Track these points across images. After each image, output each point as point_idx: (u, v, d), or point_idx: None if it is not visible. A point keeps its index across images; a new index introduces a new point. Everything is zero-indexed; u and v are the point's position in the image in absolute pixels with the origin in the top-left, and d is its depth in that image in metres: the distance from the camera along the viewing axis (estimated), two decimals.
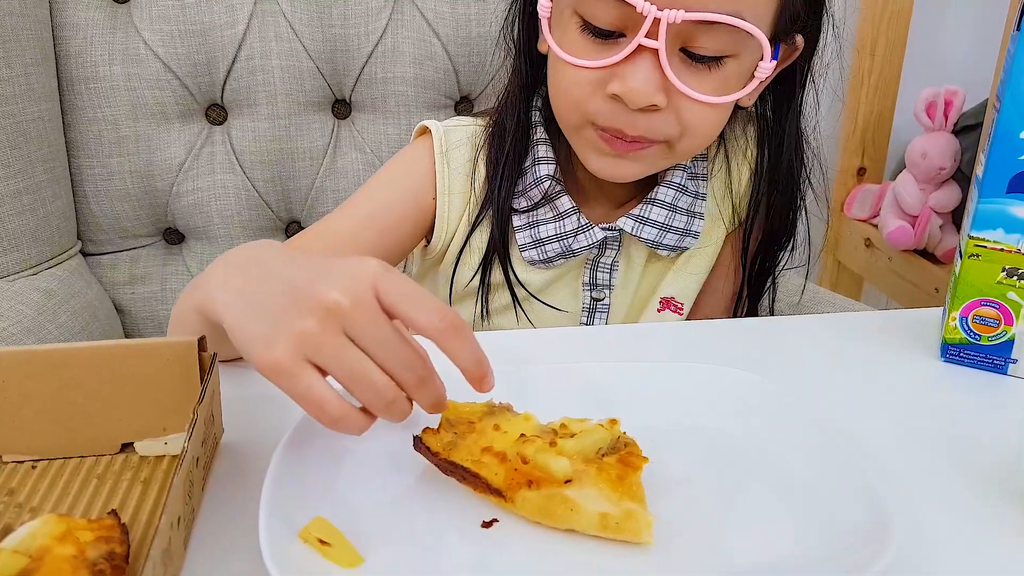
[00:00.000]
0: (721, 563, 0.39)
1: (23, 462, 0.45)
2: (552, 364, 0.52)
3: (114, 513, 0.39)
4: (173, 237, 1.02)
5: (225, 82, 0.96)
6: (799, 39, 0.67)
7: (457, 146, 0.73)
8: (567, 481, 0.40)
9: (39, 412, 0.45)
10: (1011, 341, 0.51)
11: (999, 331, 0.53)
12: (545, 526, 0.40)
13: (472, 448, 0.42)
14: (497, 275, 0.73)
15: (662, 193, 0.72)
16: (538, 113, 0.73)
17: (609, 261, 0.76)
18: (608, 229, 0.72)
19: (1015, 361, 0.52)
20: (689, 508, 0.43)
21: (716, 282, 0.80)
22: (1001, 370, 0.54)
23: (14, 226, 0.87)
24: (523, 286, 0.74)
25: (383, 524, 0.40)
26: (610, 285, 0.76)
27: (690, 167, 0.74)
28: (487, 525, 0.41)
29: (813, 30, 0.67)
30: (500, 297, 0.75)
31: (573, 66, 0.61)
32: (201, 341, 0.45)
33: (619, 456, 0.41)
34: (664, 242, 0.73)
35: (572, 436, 0.43)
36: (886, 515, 0.39)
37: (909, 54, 1.45)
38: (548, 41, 0.63)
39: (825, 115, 1.58)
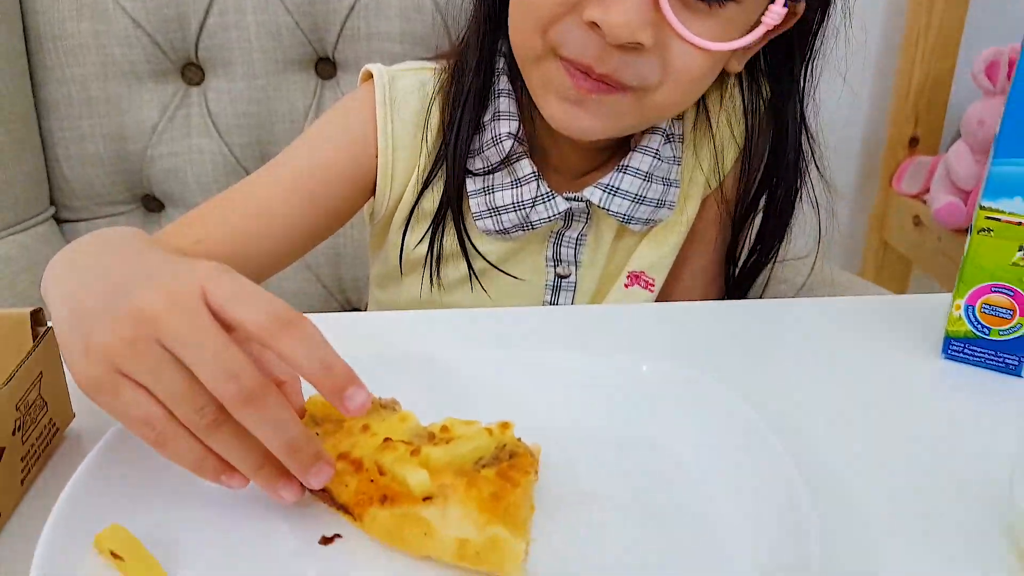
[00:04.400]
0: None
1: None
2: (462, 351, 0.44)
3: None
4: (152, 204, 0.98)
5: (198, 39, 0.90)
6: (801, 5, 0.58)
7: (405, 94, 0.64)
8: (426, 498, 0.32)
9: None
10: (1020, 337, 0.41)
11: (1013, 324, 0.42)
12: (398, 551, 0.33)
13: (329, 453, 0.35)
14: (451, 243, 0.65)
15: (636, 160, 0.63)
16: (503, 60, 0.63)
17: (575, 235, 0.67)
18: (573, 199, 0.63)
19: None
20: (580, 534, 0.35)
21: (691, 255, 0.70)
22: (1014, 371, 0.44)
23: None
24: (481, 255, 0.65)
25: (202, 536, 0.34)
26: (576, 261, 0.67)
27: (667, 128, 0.65)
28: (327, 541, 0.34)
29: None
30: (454, 269, 0.67)
31: None
32: (36, 313, 0.39)
33: (499, 469, 0.34)
34: (637, 215, 0.64)
35: (447, 442, 0.35)
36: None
37: (972, 9, 1.30)
38: None
39: (868, 80, 1.46)
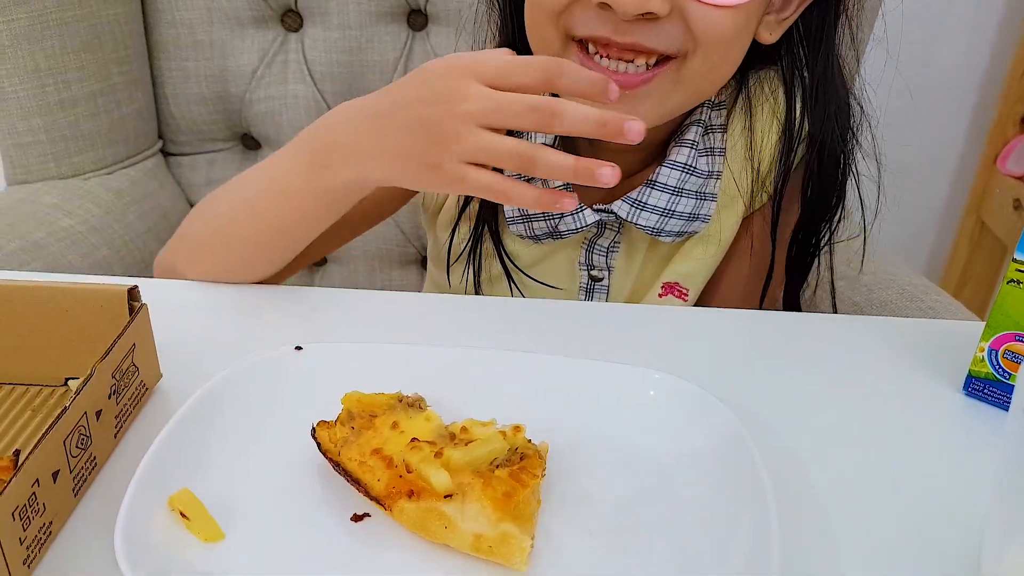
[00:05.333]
0: None
1: None
2: (490, 350, 0.48)
3: (16, 454, 0.40)
4: (250, 143, 1.04)
5: None
6: None
7: None
8: (447, 496, 0.37)
9: (2, 344, 0.46)
10: None
11: None
12: (420, 537, 0.38)
13: (363, 447, 0.39)
14: (490, 244, 0.68)
15: (664, 175, 0.63)
16: None
17: (607, 244, 0.68)
18: (602, 211, 0.64)
19: None
20: (581, 530, 0.39)
21: (730, 272, 0.71)
22: None
23: (89, 127, 0.90)
24: (511, 259, 0.68)
25: (254, 505, 0.39)
26: (608, 267, 0.69)
27: (701, 140, 0.64)
28: (357, 519, 0.39)
29: None
30: (495, 266, 0.69)
31: None
32: (132, 291, 0.44)
33: (511, 471, 0.38)
34: (667, 228, 0.64)
35: (467, 443, 0.39)
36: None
37: None
38: None
39: (987, 46, 1.36)
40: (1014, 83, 1.27)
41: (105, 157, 0.93)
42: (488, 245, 0.68)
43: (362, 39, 0.96)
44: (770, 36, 0.59)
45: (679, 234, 0.66)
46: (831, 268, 0.68)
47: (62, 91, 0.88)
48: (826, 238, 0.66)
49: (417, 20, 0.97)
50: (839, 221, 0.66)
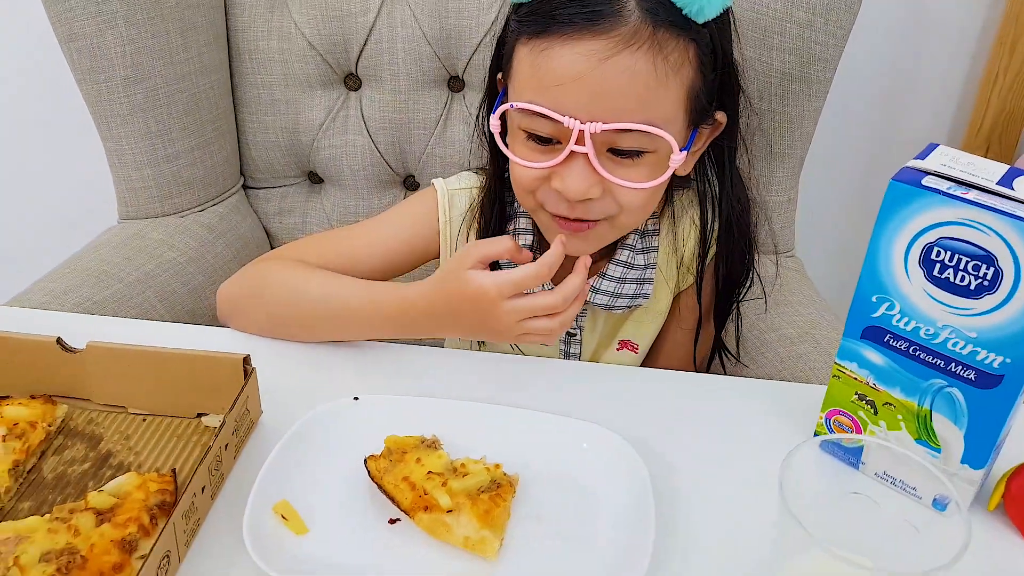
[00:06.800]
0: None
1: (140, 414, 0.69)
2: (481, 404, 0.69)
3: (173, 472, 0.61)
4: (315, 179, 1.24)
5: (358, 60, 1.13)
6: (719, 116, 0.76)
7: (459, 210, 0.88)
8: (449, 511, 0.57)
9: (149, 386, 0.68)
10: (861, 447, 0.60)
11: (852, 441, 0.61)
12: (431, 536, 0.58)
13: (396, 475, 0.60)
14: None
15: (611, 270, 0.84)
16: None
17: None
18: None
19: (864, 464, 0.60)
20: (535, 534, 0.59)
21: (670, 332, 0.93)
22: (854, 466, 0.63)
23: (188, 174, 1.11)
24: None
25: (332, 511, 0.60)
26: (579, 327, 0.90)
27: (639, 243, 0.85)
28: (392, 522, 0.59)
29: (732, 106, 0.77)
30: None
31: (524, 166, 0.74)
32: (246, 359, 0.65)
33: (491, 495, 0.58)
34: (616, 305, 0.86)
35: (463, 476, 0.60)
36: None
37: None
38: (502, 148, 0.76)
39: (949, 114, 1.50)
40: (971, 140, 1.41)
41: (199, 197, 1.14)
42: None
43: (410, 100, 1.14)
44: (684, 170, 0.78)
45: (627, 307, 0.87)
46: (738, 324, 0.90)
47: (168, 147, 1.09)
48: (734, 303, 0.88)
49: (455, 84, 1.15)
50: (746, 290, 0.87)
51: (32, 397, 0.68)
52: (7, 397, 0.68)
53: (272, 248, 1.25)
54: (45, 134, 1.61)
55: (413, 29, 1.10)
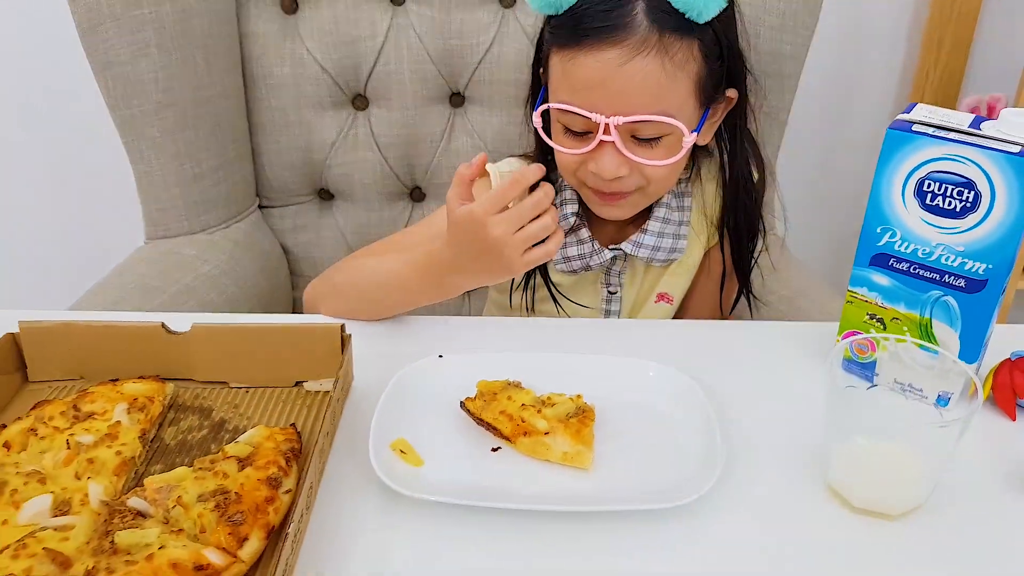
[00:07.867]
0: (629, 481, 0.65)
1: (242, 388, 0.76)
2: (551, 353, 0.79)
3: (294, 426, 0.69)
4: (326, 195, 1.32)
5: (367, 81, 1.23)
6: (730, 92, 0.89)
7: None
8: (546, 433, 0.67)
9: (249, 361, 0.75)
10: (874, 362, 0.73)
11: (867, 355, 0.74)
12: (531, 457, 0.68)
13: (494, 410, 0.69)
14: (539, 277, 1.02)
15: (651, 226, 0.98)
16: None
17: (619, 269, 1.02)
18: (615, 249, 0.98)
19: (877, 375, 0.72)
20: (615, 450, 0.69)
21: (700, 285, 1.06)
22: (869, 379, 0.75)
23: (214, 193, 1.19)
24: (555, 286, 1.01)
25: (438, 445, 0.68)
26: (620, 284, 1.03)
27: (673, 202, 0.98)
28: (495, 451, 0.68)
29: (741, 83, 0.90)
30: (543, 290, 1.02)
31: (564, 153, 0.87)
32: (343, 327, 0.74)
33: (578, 418, 0.68)
34: (656, 258, 0.98)
35: (552, 405, 0.69)
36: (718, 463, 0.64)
37: (977, 55, 1.53)
38: (544, 139, 0.90)
39: (887, 103, 1.68)
40: None
41: (222, 215, 1.21)
42: (538, 278, 1.00)
43: (416, 116, 1.25)
44: (703, 140, 0.92)
45: (665, 261, 0.99)
46: (748, 280, 1.03)
47: (195, 168, 1.16)
48: (750, 257, 1.01)
49: (457, 100, 1.26)
50: (760, 244, 1.01)
51: (141, 378, 0.75)
52: (117, 380, 0.74)
53: (290, 264, 1.33)
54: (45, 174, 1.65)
55: (419, 51, 1.20)
